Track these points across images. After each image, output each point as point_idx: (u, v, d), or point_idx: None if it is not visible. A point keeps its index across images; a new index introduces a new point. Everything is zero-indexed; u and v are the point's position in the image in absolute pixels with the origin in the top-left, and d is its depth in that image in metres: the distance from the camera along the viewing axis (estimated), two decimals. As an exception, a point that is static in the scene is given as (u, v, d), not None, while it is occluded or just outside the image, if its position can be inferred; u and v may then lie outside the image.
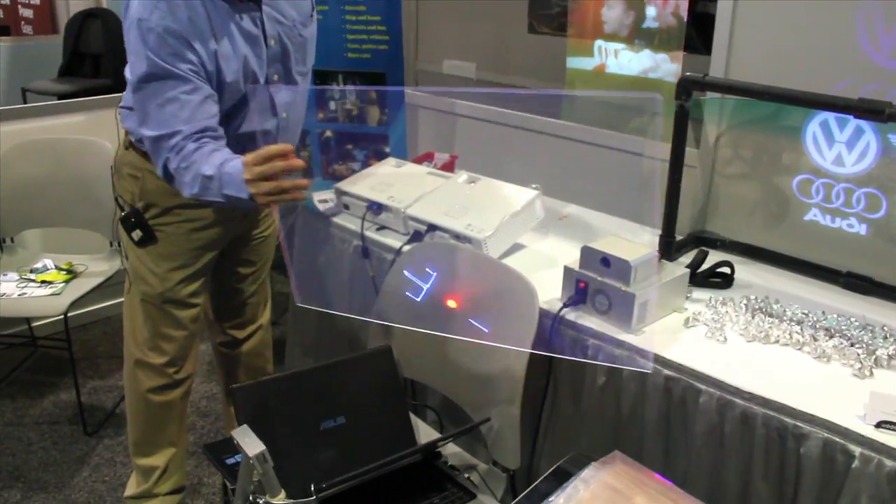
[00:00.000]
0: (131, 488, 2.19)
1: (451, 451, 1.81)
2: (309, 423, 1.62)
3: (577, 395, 1.77)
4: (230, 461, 1.71)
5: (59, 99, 3.63)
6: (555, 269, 1.88)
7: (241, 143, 1.83)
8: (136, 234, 1.92)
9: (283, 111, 1.90)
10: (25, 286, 2.66)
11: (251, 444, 1.22)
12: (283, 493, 1.27)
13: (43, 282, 2.69)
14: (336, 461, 1.61)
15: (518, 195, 2.10)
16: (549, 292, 1.82)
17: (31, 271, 2.76)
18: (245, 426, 1.26)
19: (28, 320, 3.17)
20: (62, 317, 2.54)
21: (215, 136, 1.69)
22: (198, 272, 2.00)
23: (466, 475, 1.69)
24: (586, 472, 1.21)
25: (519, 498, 1.20)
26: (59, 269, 2.78)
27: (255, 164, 1.49)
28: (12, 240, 2.91)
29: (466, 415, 1.82)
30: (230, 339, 2.31)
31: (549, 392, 1.82)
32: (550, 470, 1.25)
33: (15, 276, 2.73)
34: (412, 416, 1.78)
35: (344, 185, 2.28)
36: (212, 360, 2.63)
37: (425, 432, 1.87)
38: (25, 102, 3.70)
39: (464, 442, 1.85)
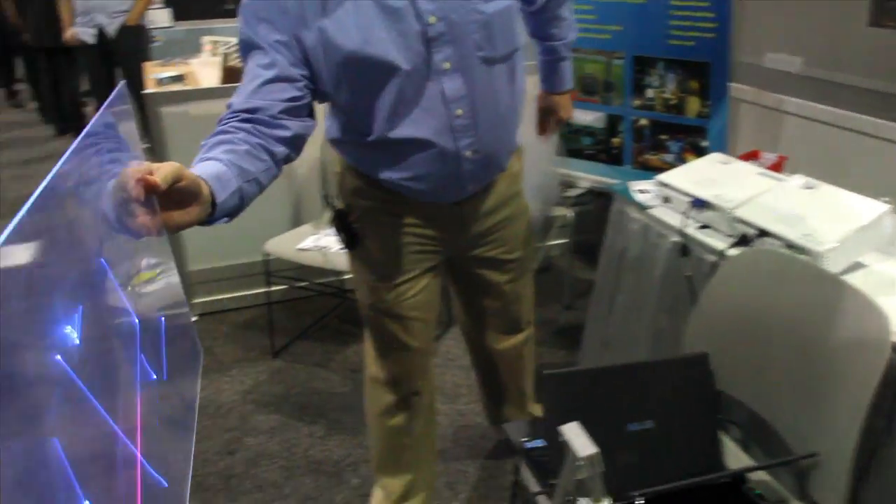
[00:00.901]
0: (375, 499, 2.12)
1: (756, 476, 1.68)
2: (616, 423, 1.57)
3: (923, 443, 1.56)
4: (529, 444, 1.71)
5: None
6: (900, 296, 1.67)
7: (401, 153, 1.62)
8: (342, 237, 1.81)
9: (457, 107, 1.58)
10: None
11: (583, 444, 1.18)
12: (607, 500, 1.22)
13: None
14: (637, 466, 1.56)
15: (865, 207, 1.88)
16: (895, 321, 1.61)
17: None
18: (576, 423, 1.22)
19: (338, 273, 3.44)
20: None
21: (266, 122, 1.38)
22: (409, 282, 1.81)
23: (777, 508, 1.56)
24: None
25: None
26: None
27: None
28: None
29: (778, 438, 1.67)
30: (485, 350, 2.17)
31: (887, 433, 1.62)
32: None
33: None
34: (717, 431, 1.68)
35: (666, 176, 2.18)
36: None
37: (730, 450, 1.75)
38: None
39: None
